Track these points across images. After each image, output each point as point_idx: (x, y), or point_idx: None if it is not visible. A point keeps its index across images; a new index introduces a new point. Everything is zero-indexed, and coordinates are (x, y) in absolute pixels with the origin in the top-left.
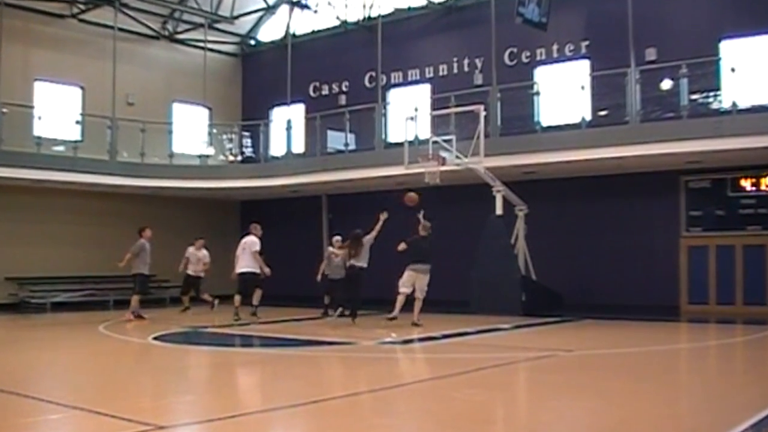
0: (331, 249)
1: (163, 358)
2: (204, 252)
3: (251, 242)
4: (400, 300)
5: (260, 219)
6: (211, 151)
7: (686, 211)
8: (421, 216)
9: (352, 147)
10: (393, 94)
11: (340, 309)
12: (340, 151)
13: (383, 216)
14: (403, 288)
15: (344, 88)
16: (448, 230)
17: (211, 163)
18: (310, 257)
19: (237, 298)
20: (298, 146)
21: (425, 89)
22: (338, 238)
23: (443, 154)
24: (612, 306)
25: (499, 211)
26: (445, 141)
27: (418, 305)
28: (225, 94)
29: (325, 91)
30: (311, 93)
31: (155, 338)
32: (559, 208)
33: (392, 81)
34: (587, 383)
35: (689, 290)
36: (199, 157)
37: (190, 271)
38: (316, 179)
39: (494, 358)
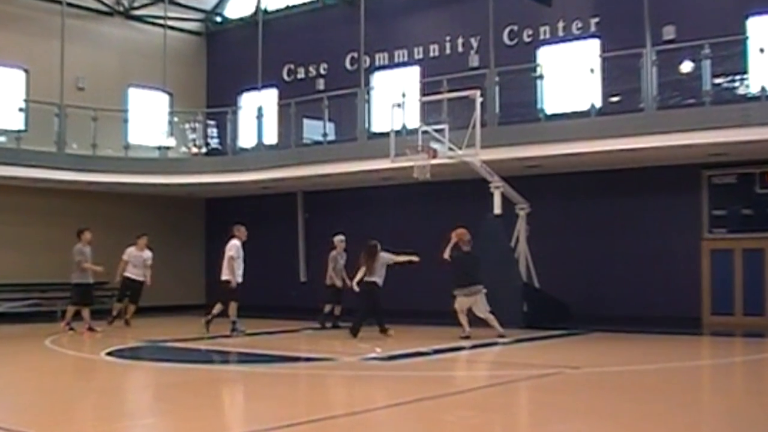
0: (334, 252)
1: (117, 376)
2: (148, 253)
3: (229, 246)
4: (462, 318)
5: (227, 219)
6: (171, 142)
7: (709, 210)
8: (458, 238)
9: (331, 138)
10: (377, 78)
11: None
12: (317, 143)
13: (415, 259)
14: (461, 316)
15: (322, 71)
16: (440, 232)
17: (172, 156)
18: (285, 262)
19: (216, 307)
20: (271, 137)
21: (414, 72)
22: (342, 237)
23: (434, 145)
24: (625, 317)
25: (497, 210)
26: (436, 131)
27: (493, 323)
28: (187, 78)
29: (301, 74)
30: (285, 76)
31: (108, 354)
32: (565, 206)
33: (377, 63)
34: (597, 405)
35: (712, 299)
36: (159, 149)
37: (130, 274)
38: (291, 174)
39: (492, 376)
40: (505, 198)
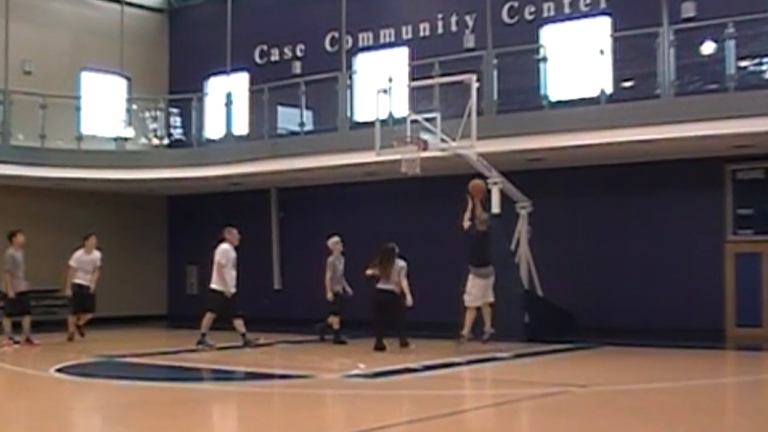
0: (331, 258)
1: (67, 396)
2: (97, 254)
3: (217, 251)
4: (470, 316)
5: (192, 219)
6: (129, 132)
7: (733, 208)
8: (474, 206)
9: (309, 128)
10: (361, 61)
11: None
12: (293, 133)
13: (409, 301)
14: (474, 301)
15: (299, 53)
16: (431, 233)
17: (130, 149)
18: (257, 268)
19: (207, 317)
20: (241, 127)
21: (402, 54)
22: (337, 239)
23: (425, 136)
24: (638, 329)
25: (495, 209)
26: (427, 120)
27: (488, 316)
28: (148, 61)
29: (275, 56)
30: (257, 59)
31: (59, 370)
32: (571, 205)
33: (360, 44)
34: (606, 428)
35: (737, 309)
36: (115, 140)
37: (82, 281)
38: (264, 168)
39: (489, 396)
40: (504, 195)
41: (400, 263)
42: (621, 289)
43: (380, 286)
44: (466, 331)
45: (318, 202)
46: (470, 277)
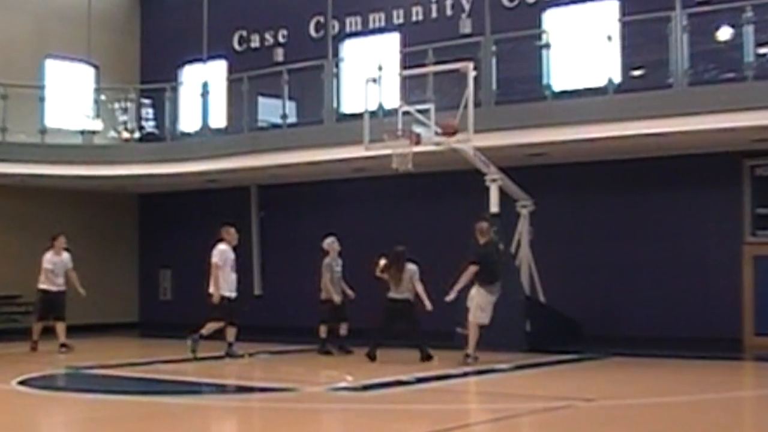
0: (327, 259)
1: (31, 410)
2: (66, 255)
3: (215, 252)
4: (475, 333)
5: (165, 219)
6: (98, 125)
7: (752, 208)
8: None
9: (292, 120)
10: (348, 48)
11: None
12: (275, 126)
13: (429, 306)
14: (484, 317)
15: (281, 39)
16: (424, 234)
17: (99, 143)
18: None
19: (209, 325)
20: (219, 119)
21: (393, 40)
22: (332, 239)
23: (417, 129)
24: (648, 338)
25: (494, 208)
26: (420, 112)
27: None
28: (117, 48)
29: (255, 42)
30: (236, 46)
31: (21, 383)
32: (576, 204)
33: (347, 29)
34: None
35: (756, 316)
36: (82, 133)
37: (51, 286)
38: (243, 164)
39: (487, 411)
40: (503, 193)
41: (411, 267)
42: (630, 295)
43: (392, 295)
44: (472, 350)
45: (302, 201)
46: (482, 292)
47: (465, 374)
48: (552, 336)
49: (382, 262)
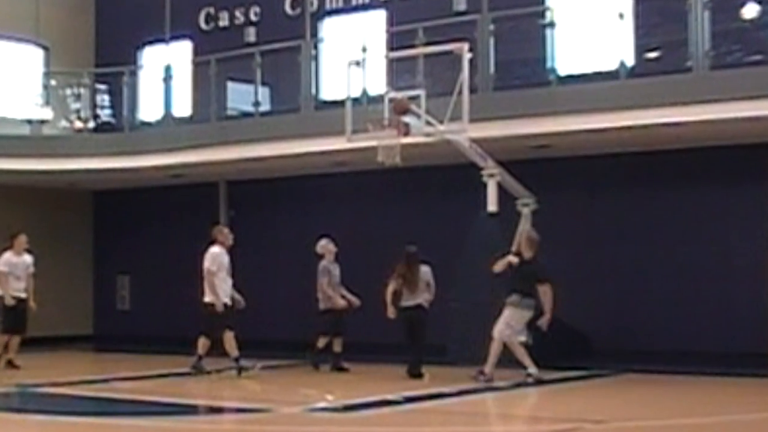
0: (324, 262)
1: None
2: (27, 257)
3: (207, 256)
4: (497, 350)
5: (124, 218)
6: (47, 113)
7: None
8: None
9: (265, 108)
10: (328, 26)
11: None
12: (246, 115)
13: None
14: (521, 336)
15: (253, 17)
16: (414, 236)
17: (48, 133)
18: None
19: (200, 341)
20: (183, 107)
21: (378, 18)
22: (326, 241)
23: (406, 119)
24: (665, 353)
25: (492, 206)
26: (409, 99)
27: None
28: (69, 27)
29: (224, 21)
30: (202, 25)
31: None
32: (584, 202)
33: (327, 6)
34: None
35: None
36: (30, 122)
37: (14, 292)
38: (211, 157)
39: None
40: (502, 190)
41: (426, 269)
42: (644, 305)
43: (406, 303)
44: (489, 368)
45: (276, 199)
46: (518, 311)
47: (460, 393)
48: (557, 350)
49: (391, 288)
